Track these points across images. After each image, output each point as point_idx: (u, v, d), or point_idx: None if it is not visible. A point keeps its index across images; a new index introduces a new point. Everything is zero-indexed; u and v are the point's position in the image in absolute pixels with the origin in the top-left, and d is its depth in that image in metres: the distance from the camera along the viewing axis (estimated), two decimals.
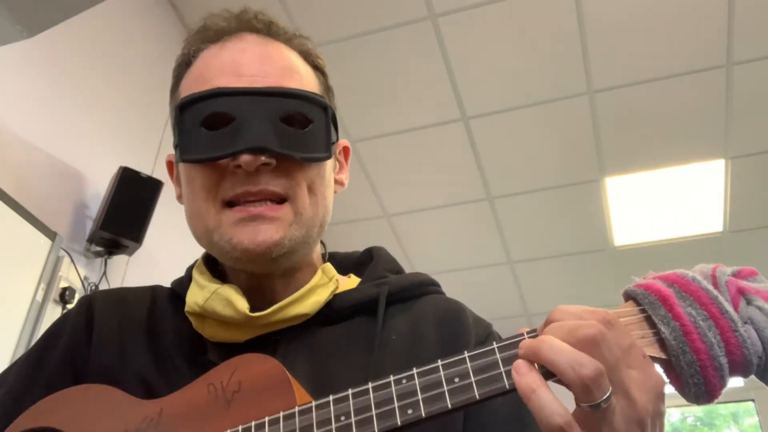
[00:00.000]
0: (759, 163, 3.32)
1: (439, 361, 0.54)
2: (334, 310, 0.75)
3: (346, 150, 0.85)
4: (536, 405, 0.48)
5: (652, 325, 0.54)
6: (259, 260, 0.70)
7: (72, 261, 2.05)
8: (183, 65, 0.79)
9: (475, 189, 3.54)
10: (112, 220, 2.12)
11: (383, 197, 3.63)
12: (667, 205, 3.61)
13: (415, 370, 0.54)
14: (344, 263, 0.86)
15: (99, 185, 2.23)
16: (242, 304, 0.71)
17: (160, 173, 2.34)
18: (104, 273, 2.18)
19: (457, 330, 0.75)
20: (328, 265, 0.78)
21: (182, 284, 0.81)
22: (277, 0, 2.66)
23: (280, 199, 0.71)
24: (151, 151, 2.54)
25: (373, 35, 2.80)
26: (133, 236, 2.16)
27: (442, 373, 0.53)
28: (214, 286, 0.73)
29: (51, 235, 1.97)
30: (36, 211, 1.94)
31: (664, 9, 2.68)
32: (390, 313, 0.76)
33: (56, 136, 2.11)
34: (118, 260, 2.25)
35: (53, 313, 1.93)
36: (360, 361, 0.71)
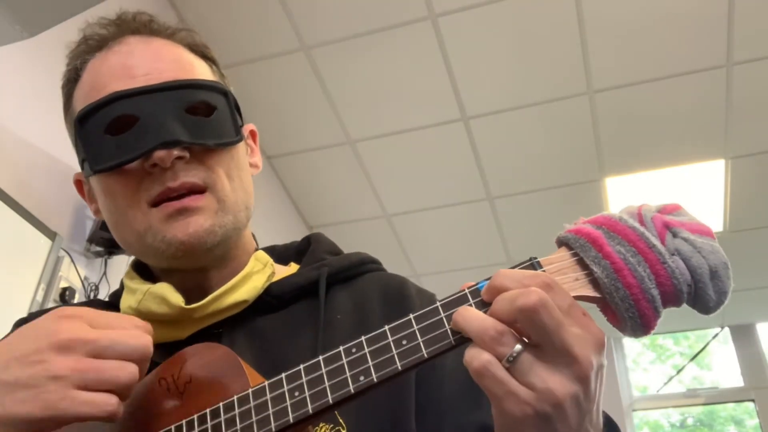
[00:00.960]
0: (759, 163, 3.32)
1: (386, 326, 0.55)
2: (275, 297, 0.75)
3: (253, 133, 0.85)
4: (467, 353, 0.51)
5: (585, 266, 0.55)
6: (196, 251, 0.70)
7: (72, 261, 2.05)
8: (72, 81, 0.79)
9: (475, 189, 3.54)
10: None
11: (383, 197, 3.63)
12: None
13: (363, 338, 0.55)
14: (285, 254, 0.87)
15: None
16: (176, 298, 0.71)
17: None
18: (104, 273, 2.18)
19: (401, 302, 0.76)
20: (261, 252, 0.79)
21: (117, 295, 0.81)
22: (276, 1, 2.67)
23: (201, 190, 0.71)
24: None
25: (373, 35, 2.80)
26: None
27: (390, 338, 0.54)
28: (145, 286, 0.73)
29: (51, 235, 1.97)
30: (36, 211, 1.94)
31: (664, 9, 2.68)
32: (332, 293, 0.77)
33: (56, 136, 2.10)
34: (118, 260, 2.25)
35: None
36: (307, 344, 0.71)
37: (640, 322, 0.53)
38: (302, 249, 0.87)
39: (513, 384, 0.49)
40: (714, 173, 3.39)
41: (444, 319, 0.54)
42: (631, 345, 5.03)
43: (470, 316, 0.52)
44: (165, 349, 0.71)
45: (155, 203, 0.70)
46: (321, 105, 3.07)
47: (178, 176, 0.69)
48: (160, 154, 0.68)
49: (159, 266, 0.76)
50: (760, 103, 3.03)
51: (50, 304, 1.93)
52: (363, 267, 0.83)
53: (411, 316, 0.55)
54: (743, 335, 4.72)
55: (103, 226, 2.11)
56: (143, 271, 0.80)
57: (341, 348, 0.55)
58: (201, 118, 0.71)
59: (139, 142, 0.68)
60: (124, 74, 0.72)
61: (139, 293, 0.73)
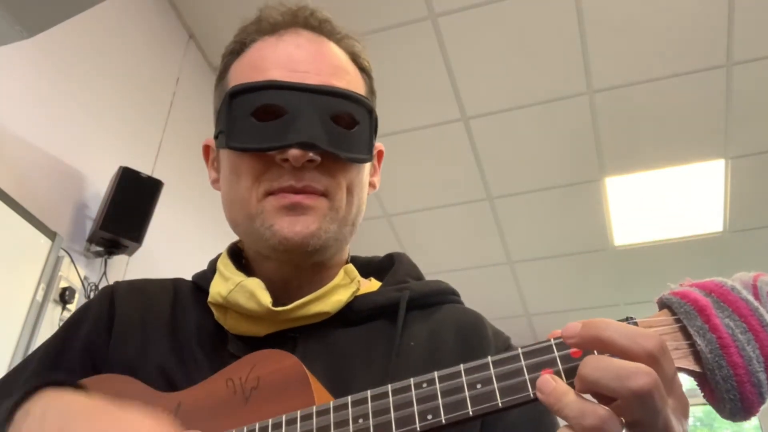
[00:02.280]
0: (759, 163, 3.32)
1: (461, 365, 0.52)
2: (355, 312, 0.75)
3: (380, 154, 0.87)
4: (570, 411, 0.46)
5: (687, 336, 0.51)
6: (296, 250, 0.71)
7: (72, 261, 2.05)
8: (234, 53, 0.79)
9: (475, 189, 3.54)
10: (112, 220, 2.12)
11: (383, 197, 3.63)
12: (667, 205, 3.61)
13: (436, 374, 0.52)
14: (365, 267, 0.86)
15: (99, 185, 2.23)
16: (265, 297, 0.71)
17: (160, 173, 2.34)
18: (104, 273, 2.18)
19: (476, 341, 0.75)
20: (351, 266, 0.79)
21: (205, 277, 0.81)
22: (276, 1, 2.66)
23: (320, 195, 0.72)
24: (151, 151, 2.54)
25: (373, 35, 2.80)
26: (133, 236, 2.16)
27: (464, 378, 0.51)
28: (238, 278, 0.74)
29: (51, 235, 1.97)
30: (36, 211, 1.94)
31: (664, 9, 2.68)
32: (409, 319, 0.76)
33: (56, 136, 2.11)
34: (118, 260, 2.25)
35: (53, 313, 1.93)
36: (378, 365, 0.71)
37: (740, 406, 0.48)
38: (384, 266, 0.87)
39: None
40: (714, 173, 3.38)
41: (524, 367, 0.50)
42: None
43: (566, 397, 0.46)
44: (242, 342, 0.73)
45: (272, 193, 0.71)
46: None
47: (304, 178, 0.71)
48: (294, 152, 0.69)
49: (259, 252, 0.77)
50: (760, 103, 3.03)
51: (50, 304, 1.93)
52: (443, 296, 0.82)
53: (489, 359, 0.51)
54: None
55: (103, 226, 2.11)
56: (237, 259, 0.80)
57: (412, 381, 0.53)
58: (342, 128, 0.72)
59: (281, 134, 0.69)
60: (287, 65, 0.73)
61: (231, 283, 0.73)
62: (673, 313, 0.52)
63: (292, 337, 0.73)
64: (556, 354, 0.50)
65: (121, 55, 2.50)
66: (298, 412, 0.56)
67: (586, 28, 2.75)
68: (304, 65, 0.73)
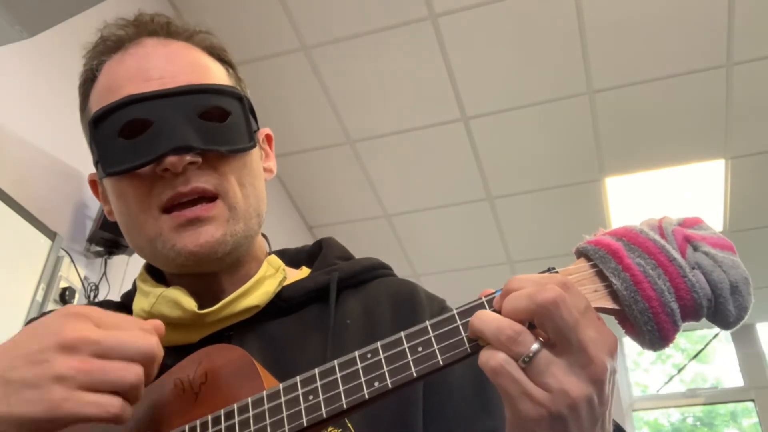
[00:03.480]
0: (759, 163, 3.32)
1: (401, 333, 0.55)
2: (286, 301, 0.75)
3: (269, 138, 0.85)
4: (481, 355, 0.51)
5: (604, 278, 0.55)
6: (206, 261, 0.70)
7: (72, 261, 2.05)
8: (88, 81, 0.77)
9: (475, 189, 3.54)
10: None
11: (383, 197, 3.63)
12: (667, 205, 3.61)
13: (378, 344, 0.55)
14: (296, 258, 0.87)
15: None
16: (189, 302, 0.71)
17: None
18: (104, 273, 2.18)
19: (411, 308, 0.76)
20: (273, 256, 0.79)
21: (129, 296, 0.81)
22: (277, 1, 2.66)
23: (212, 197, 0.71)
24: None
25: (373, 35, 2.80)
26: None
27: (405, 344, 0.54)
28: (159, 290, 0.73)
29: (51, 235, 1.97)
30: (36, 211, 1.94)
31: (664, 9, 2.68)
32: (342, 298, 0.77)
33: (56, 136, 2.11)
34: (118, 260, 2.25)
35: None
36: (317, 348, 0.72)
37: (658, 335, 0.53)
38: (314, 253, 0.87)
39: (529, 384, 0.49)
40: (714, 173, 3.39)
41: (460, 327, 0.53)
42: (632, 345, 5.03)
43: (486, 317, 0.52)
44: (176, 352, 0.71)
45: (166, 208, 0.70)
46: (321, 105, 3.07)
47: (190, 181, 0.69)
48: (171, 159, 0.68)
49: (169, 272, 0.77)
50: (760, 103, 3.03)
51: (50, 304, 1.93)
52: (374, 272, 0.83)
53: (427, 323, 0.54)
54: (743, 335, 4.71)
55: (102, 226, 2.11)
56: (156, 273, 0.80)
57: (356, 353, 0.55)
58: (214, 123, 0.71)
59: (152, 146, 0.68)
60: (139, 77, 0.72)
61: (152, 296, 0.73)
62: (590, 260, 0.56)
63: (227, 336, 0.73)
64: (488, 309, 0.54)
65: None
66: (249, 398, 0.57)
67: (586, 28, 2.75)
68: (157, 72, 0.72)
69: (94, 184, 0.83)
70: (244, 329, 0.73)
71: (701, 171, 3.39)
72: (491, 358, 0.50)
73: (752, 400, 4.62)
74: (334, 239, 0.88)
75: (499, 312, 0.52)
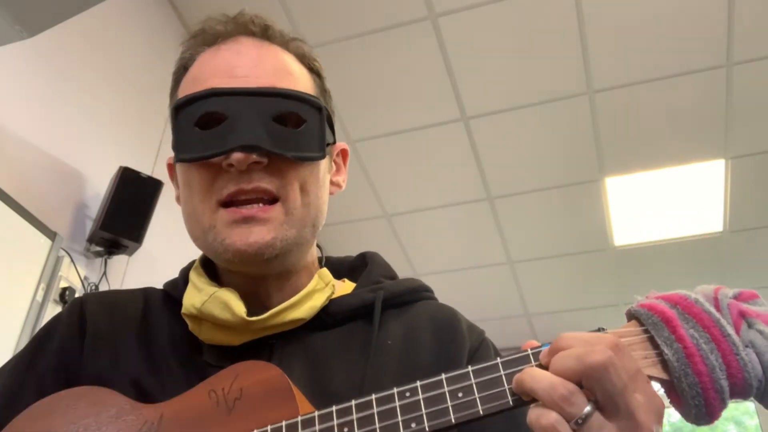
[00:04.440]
0: (759, 163, 3.32)
1: (443, 375, 0.54)
2: (330, 315, 0.75)
3: (344, 152, 0.85)
4: (539, 420, 0.50)
5: (655, 346, 0.54)
6: (252, 262, 0.70)
7: (72, 261, 2.05)
8: (181, 69, 0.80)
9: (475, 189, 3.54)
10: (112, 220, 2.12)
11: (383, 197, 3.62)
12: (667, 205, 3.61)
13: (418, 384, 0.54)
14: (338, 268, 0.87)
15: (99, 185, 2.23)
16: (240, 308, 0.71)
17: (160, 173, 2.34)
18: (104, 273, 2.18)
19: (451, 336, 0.76)
20: (325, 270, 0.79)
21: (176, 286, 0.81)
22: (277, 1, 2.66)
23: (272, 199, 0.71)
24: (151, 151, 2.54)
25: (373, 35, 2.80)
26: (133, 236, 2.16)
27: (446, 387, 0.53)
28: (212, 289, 0.74)
29: (51, 235, 1.97)
30: (36, 211, 1.94)
31: (664, 9, 2.68)
32: (385, 317, 0.77)
33: (56, 136, 2.11)
34: (118, 260, 2.25)
35: (53, 313, 1.93)
36: (356, 366, 0.71)
37: (704, 411, 0.52)
38: (357, 266, 0.87)
39: None
40: (714, 173, 3.38)
41: (504, 377, 0.53)
42: None
43: (538, 375, 0.51)
44: (217, 351, 0.72)
45: (225, 203, 0.71)
46: None
47: (253, 180, 0.70)
48: (237, 155, 0.68)
49: (221, 266, 0.77)
50: (760, 103, 3.02)
51: (50, 304, 1.93)
52: (417, 294, 0.82)
53: (470, 368, 0.54)
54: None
55: (102, 226, 2.11)
56: (209, 268, 0.80)
57: (395, 390, 0.54)
58: (288, 128, 0.71)
59: (222, 140, 0.69)
60: (225, 72, 0.73)
61: (204, 294, 0.73)
62: (641, 324, 0.56)
63: (269, 344, 0.73)
64: (533, 363, 0.53)
65: (121, 55, 2.50)
66: (284, 422, 0.57)
67: (586, 28, 2.75)
68: (243, 70, 0.73)
69: (170, 167, 0.83)
70: (287, 339, 0.74)
71: (701, 171, 3.38)
72: (543, 417, 0.49)
73: (752, 400, 4.62)
74: (379, 255, 0.88)
75: (545, 368, 0.51)
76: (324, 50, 2.84)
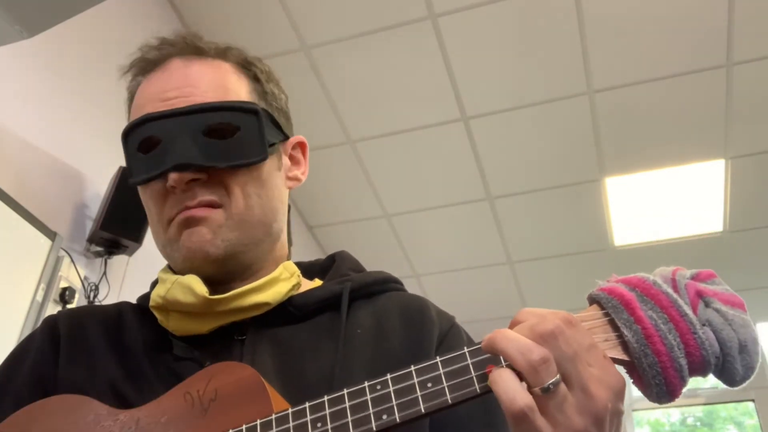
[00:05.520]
0: (759, 163, 3.32)
1: (411, 366, 0.55)
2: (298, 308, 0.77)
3: (302, 145, 0.89)
4: (500, 389, 0.50)
5: (616, 328, 0.55)
6: (201, 261, 0.74)
7: (72, 261, 2.05)
8: (130, 98, 0.85)
9: (475, 189, 3.54)
10: (112, 220, 2.12)
11: (383, 197, 3.63)
12: (667, 205, 3.61)
13: (389, 376, 0.55)
14: (309, 269, 0.89)
15: (99, 185, 2.23)
16: (201, 288, 0.73)
17: None
18: (104, 273, 2.18)
19: (420, 322, 0.78)
20: (290, 263, 0.81)
21: (146, 297, 0.83)
22: (277, 1, 2.66)
23: (216, 206, 0.75)
24: None
25: (373, 35, 2.80)
26: (133, 236, 2.16)
27: (415, 378, 0.54)
28: (174, 277, 0.76)
29: (51, 235, 1.97)
30: (36, 211, 1.94)
31: (664, 9, 2.68)
32: (354, 308, 0.79)
33: (56, 136, 2.11)
34: (118, 260, 2.25)
35: (53, 313, 1.93)
36: (327, 356, 0.73)
37: (665, 390, 0.53)
38: (327, 266, 0.89)
39: (536, 413, 0.49)
40: (714, 173, 3.39)
41: (471, 365, 0.54)
42: None
43: (512, 335, 0.52)
44: (187, 342, 0.74)
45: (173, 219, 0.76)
46: (321, 105, 3.07)
47: (197, 196, 0.74)
48: (173, 176, 0.73)
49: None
50: (760, 103, 3.03)
51: (50, 304, 1.93)
52: (385, 285, 0.85)
53: (438, 358, 0.55)
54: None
55: (102, 226, 2.11)
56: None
57: (366, 384, 0.56)
58: (220, 140, 0.75)
59: (159, 163, 0.74)
60: (157, 97, 0.78)
61: (168, 282, 0.75)
62: (602, 308, 0.57)
63: (240, 340, 0.75)
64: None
65: (121, 55, 2.49)
66: (258, 420, 0.58)
67: (586, 28, 2.75)
68: (173, 92, 0.77)
69: None
70: (256, 333, 0.75)
71: (701, 171, 3.39)
72: (518, 399, 0.49)
73: (752, 401, 4.62)
74: (347, 252, 0.91)
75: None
76: (324, 50, 2.84)
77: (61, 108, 2.14)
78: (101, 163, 2.25)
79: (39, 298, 1.90)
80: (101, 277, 2.17)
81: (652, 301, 0.55)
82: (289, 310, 0.77)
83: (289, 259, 0.86)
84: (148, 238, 2.21)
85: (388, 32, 2.79)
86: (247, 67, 0.84)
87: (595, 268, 4.04)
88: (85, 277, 2.11)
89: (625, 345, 0.54)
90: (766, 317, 4.65)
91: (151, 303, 0.76)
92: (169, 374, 0.71)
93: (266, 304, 0.75)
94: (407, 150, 3.31)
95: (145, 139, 0.75)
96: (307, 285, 0.83)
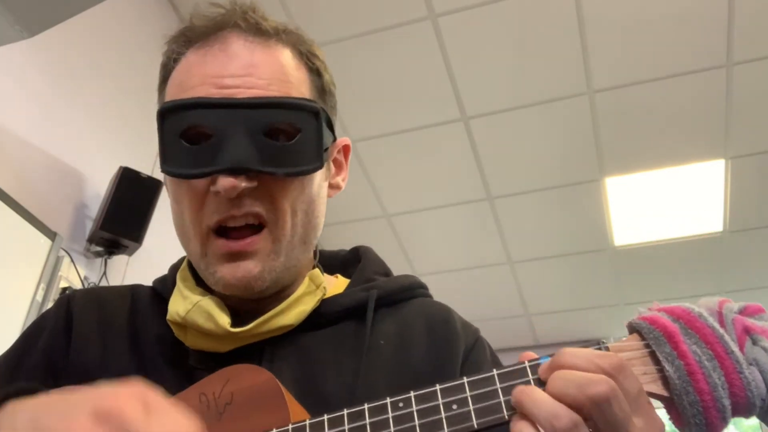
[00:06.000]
0: (759, 163, 3.32)
1: (437, 385, 0.53)
2: (322, 315, 0.74)
3: (346, 149, 0.81)
4: (537, 413, 0.48)
5: (656, 361, 0.53)
6: (241, 292, 0.69)
7: (72, 261, 2.05)
8: (167, 66, 0.75)
9: (475, 189, 3.54)
10: (112, 220, 2.12)
11: (383, 197, 3.62)
12: (667, 205, 3.61)
13: (412, 394, 0.53)
14: (331, 262, 0.85)
15: (99, 185, 2.23)
16: (223, 319, 0.69)
17: (160, 173, 2.34)
18: (104, 273, 2.18)
19: (445, 335, 0.75)
20: (316, 271, 0.76)
21: (165, 284, 0.79)
22: (277, 1, 2.66)
23: (260, 225, 0.69)
24: (151, 151, 2.53)
25: (373, 35, 2.80)
26: (133, 236, 2.16)
27: (440, 399, 0.52)
28: (196, 297, 0.71)
29: (51, 235, 1.97)
30: (36, 211, 1.94)
31: (664, 9, 2.68)
32: (378, 316, 0.75)
33: (56, 136, 2.11)
34: (118, 260, 2.25)
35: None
36: (348, 367, 0.70)
37: (705, 430, 0.50)
38: (350, 261, 0.85)
39: None
40: (714, 173, 3.38)
41: (500, 390, 0.51)
42: None
43: (540, 399, 0.49)
44: (204, 357, 0.70)
45: (216, 230, 0.69)
46: None
47: (243, 205, 0.67)
48: (224, 183, 0.65)
49: None
50: (760, 103, 3.03)
51: (50, 304, 1.93)
52: (411, 292, 0.80)
53: (465, 379, 0.52)
54: None
55: (102, 226, 2.11)
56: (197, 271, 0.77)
57: (388, 400, 0.53)
58: (280, 142, 0.67)
59: (209, 159, 0.65)
60: (212, 81, 0.68)
61: (189, 302, 0.71)
62: (643, 338, 0.54)
63: (259, 348, 0.71)
64: (530, 377, 0.51)
65: (122, 55, 2.50)
66: (274, 430, 0.56)
67: (586, 28, 2.75)
68: (232, 80, 0.68)
69: None
70: (276, 340, 0.72)
71: (701, 171, 3.38)
72: None
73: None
74: (372, 250, 0.86)
75: (544, 384, 0.50)
76: (324, 50, 2.84)
77: (61, 108, 2.14)
78: (101, 163, 2.25)
79: (39, 298, 1.90)
80: (101, 277, 2.17)
81: (697, 335, 0.52)
82: (313, 318, 0.73)
83: (315, 258, 0.81)
84: (148, 238, 2.21)
85: (388, 32, 2.79)
86: (308, 56, 0.76)
87: (595, 268, 4.04)
88: (85, 277, 2.11)
89: (665, 380, 0.52)
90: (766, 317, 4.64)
91: (169, 317, 0.72)
92: (188, 383, 0.68)
93: (289, 326, 0.71)
94: (407, 150, 3.31)
95: (192, 126, 0.67)
96: (330, 286, 0.78)
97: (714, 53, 2.82)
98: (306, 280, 0.74)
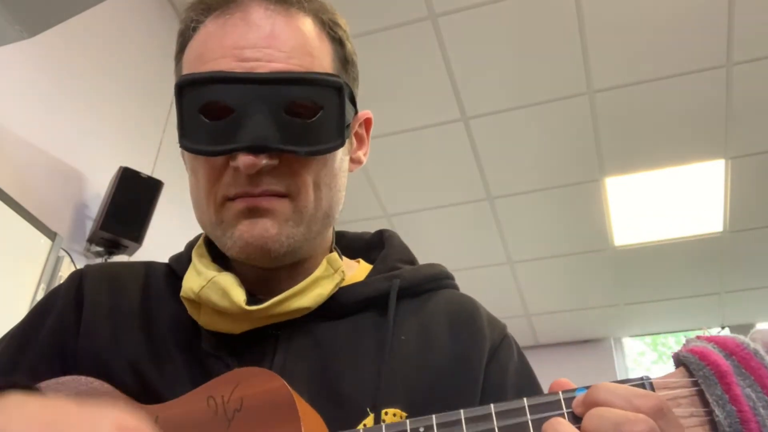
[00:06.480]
0: (759, 163, 3.32)
1: (461, 411, 0.49)
2: (341, 304, 0.70)
3: (367, 122, 0.79)
4: None
5: (705, 403, 0.47)
6: (259, 256, 0.66)
7: (72, 261, 2.05)
8: (185, 34, 0.72)
9: (475, 189, 3.54)
10: (112, 220, 2.12)
11: (383, 197, 3.63)
12: (667, 205, 3.61)
13: (434, 418, 0.50)
14: (353, 245, 0.82)
15: (99, 185, 2.23)
16: (238, 296, 0.66)
17: (160, 173, 2.34)
18: None
19: (469, 332, 0.72)
20: (335, 255, 0.73)
21: (180, 261, 0.77)
22: None
23: (281, 195, 0.67)
24: (151, 151, 2.54)
25: (373, 35, 2.80)
26: (133, 236, 2.16)
27: (464, 426, 0.49)
28: (211, 273, 0.69)
29: (51, 235, 1.97)
30: (36, 211, 1.94)
31: (664, 9, 2.68)
32: (401, 309, 0.72)
33: (56, 136, 2.11)
34: (119, 260, 2.25)
35: None
36: (368, 364, 0.67)
37: None
38: (373, 245, 0.82)
39: None
40: (714, 173, 3.38)
41: (530, 423, 0.48)
42: (632, 344, 5.03)
43: None
44: (216, 339, 0.68)
45: (231, 198, 0.67)
46: None
47: (262, 183, 0.65)
48: (245, 160, 0.63)
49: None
50: (760, 103, 3.03)
51: None
52: (436, 282, 0.78)
53: (492, 408, 0.49)
54: (743, 335, 4.71)
55: (102, 226, 2.11)
56: (214, 248, 0.74)
57: (408, 424, 0.50)
58: (301, 119, 0.65)
59: (228, 136, 0.63)
60: (232, 53, 0.66)
61: (203, 278, 0.68)
62: (691, 374, 0.49)
63: (274, 335, 0.68)
64: (564, 410, 0.48)
65: (121, 55, 2.50)
66: None
67: (586, 28, 2.75)
68: (252, 51, 0.65)
69: None
70: (292, 329, 0.69)
71: (701, 171, 3.38)
72: None
73: None
74: (397, 236, 0.82)
75: (579, 419, 0.47)
76: None
77: (61, 108, 2.14)
78: (101, 163, 2.25)
79: (39, 298, 1.90)
80: None
81: (752, 377, 0.47)
82: (330, 306, 0.70)
83: (333, 241, 0.78)
84: (148, 238, 2.21)
85: (388, 32, 2.79)
86: (330, 25, 0.73)
87: (595, 268, 4.05)
88: None
89: (713, 424, 0.46)
90: (766, 317, 4.65)
91: (182, 293, 0.69)
92: (198, 368, 0.66)
93: (306, 308, 0.68)
94: (407, 150, 3.31)
95: (211, 101, 0.64)
96: (350, 270, 0.75)
97: (714, 53, 2.82)
98: (324, 262, 0.71)
